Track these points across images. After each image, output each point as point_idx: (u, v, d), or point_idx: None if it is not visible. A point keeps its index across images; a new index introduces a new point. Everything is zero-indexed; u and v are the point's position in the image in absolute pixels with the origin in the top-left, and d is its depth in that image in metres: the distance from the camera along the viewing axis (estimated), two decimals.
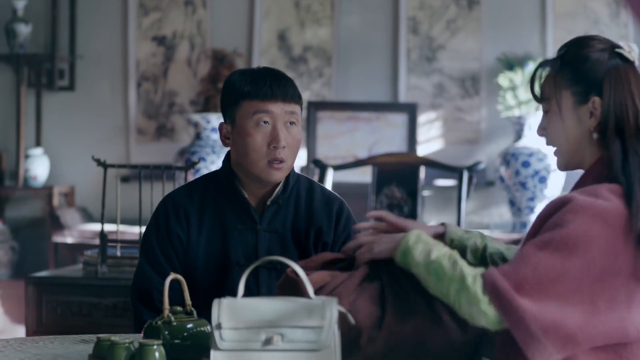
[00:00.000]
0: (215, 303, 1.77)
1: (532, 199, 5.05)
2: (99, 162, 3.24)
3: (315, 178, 4.36)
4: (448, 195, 5.48)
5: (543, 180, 5.02)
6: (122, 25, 5.77)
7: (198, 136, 5.19)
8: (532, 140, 5.05)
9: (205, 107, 5.31)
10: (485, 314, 1.79)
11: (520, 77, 5.19)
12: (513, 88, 5.20)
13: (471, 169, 4.44)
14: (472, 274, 1.82)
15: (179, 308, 2.05)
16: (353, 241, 2.06)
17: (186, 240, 2.45)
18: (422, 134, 5.53)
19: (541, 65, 2.04)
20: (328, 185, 4.31)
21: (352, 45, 5.64)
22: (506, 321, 1.78)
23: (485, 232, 2.47)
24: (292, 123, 2.40)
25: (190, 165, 3.21)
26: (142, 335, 2.01)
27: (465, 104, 5.55)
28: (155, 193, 3.23)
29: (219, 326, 1.75)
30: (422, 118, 5.54)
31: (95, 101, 5.79)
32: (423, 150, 5.52)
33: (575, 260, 1.79)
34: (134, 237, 3.94)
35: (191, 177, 4.44)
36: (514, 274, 1.79)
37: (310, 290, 1.79)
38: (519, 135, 5.13)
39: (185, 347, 1.97)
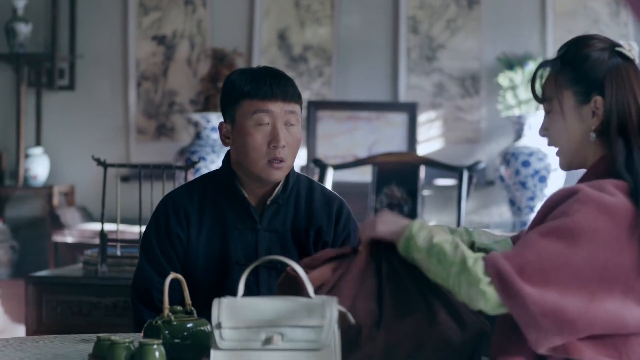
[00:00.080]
0: (215, 302, 1.77)
1: (532, 198, 5.05)
2: (99, 162, 3.23)
3: (315, 177, 4.36)
4: (448, 195, 5.48)
5: (543, 179, 5.01)
6: (122, 24, 5.77)
7: (198, 136, 5.19)
8: (532, 139, 5.05)
9: (205, 106, 5.30)
10: (485, 294, 1.79)
11: (520, 76, 5.19)
12: (513, 87, 5.20)
13: (471, 168, 4.44)
14: (474, 257, 1.83)
15: (179, 307, 2.05)
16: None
17: (186, 240, 2.45)
18: (422, 133, 5.53)
19: (541, 65, 2.04)
20: (328, 184, 4.31)
21: (352, 45, 5.64)
22: (506, 304, 1.79)
23: None
24: (292, 123, 2.40)
25: (190, 164, 3.21)
26: (142, 334, 2.02)
27: (465, 103, 5.54)
28: (155, 192, 3.23)
29: (219, 326, 1.75)
30: (422, 117, 5.54)
31: (95, 101, 5.79)
32: (423, 149, 5.51)
33: (579, 250, 1.80)
34: (134, 236, 3.94)
35: (191, 177, 4.44)
36: (517, 258, 1.80)
37: (310, 289, 1.79)
38: (519, 135, 5.13)
39: (185, 347, 1.98)
